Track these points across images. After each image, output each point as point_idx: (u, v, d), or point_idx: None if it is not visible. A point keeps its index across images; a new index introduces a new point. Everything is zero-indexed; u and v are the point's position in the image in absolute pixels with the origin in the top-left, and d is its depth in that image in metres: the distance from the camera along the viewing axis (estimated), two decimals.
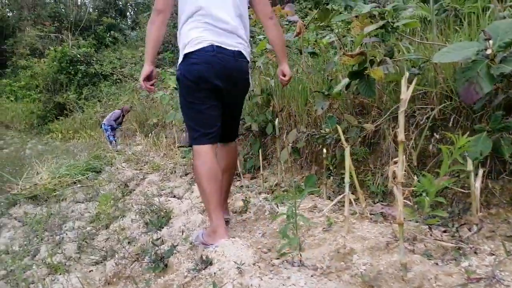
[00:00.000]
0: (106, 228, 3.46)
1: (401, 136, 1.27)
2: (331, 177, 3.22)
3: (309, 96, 3.85)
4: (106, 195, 4.11)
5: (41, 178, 6.13)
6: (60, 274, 2.41)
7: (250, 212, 2.57)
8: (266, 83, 4.43)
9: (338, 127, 1.96)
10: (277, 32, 2.28)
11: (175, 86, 9.14)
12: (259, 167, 4.15)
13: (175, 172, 4.95)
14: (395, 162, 1.32)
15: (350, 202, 1.90)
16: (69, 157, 9.47)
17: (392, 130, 2.74)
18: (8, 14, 23.33)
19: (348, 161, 1.77)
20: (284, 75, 2.36)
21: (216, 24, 2.00)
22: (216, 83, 2.01)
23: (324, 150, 2.51)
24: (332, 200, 2.51)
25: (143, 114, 10.50)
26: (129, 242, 2.60)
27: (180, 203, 3.12)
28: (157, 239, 2.21)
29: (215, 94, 2.05)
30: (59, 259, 2.68)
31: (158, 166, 5.75)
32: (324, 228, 1.92)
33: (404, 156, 1.41)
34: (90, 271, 2.45)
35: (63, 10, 23.47)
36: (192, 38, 2.00)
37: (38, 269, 2.57)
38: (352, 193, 2.00)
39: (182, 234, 2.11)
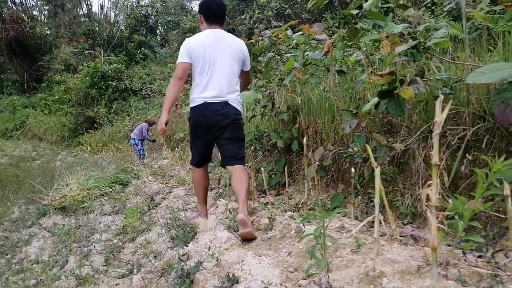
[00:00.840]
0: (132, 241, 3.50)
1: (435, 159, 1.24)
2: (359, 197, 3.17)
3: (336, 114, 3.84)
4: (132, 209, 4.17)
5: (70, 189, 6.29)
6: (88, 286, 2.45)
7: (275, 230, 2.55)
8: (292, 100, 4.44)
9: (368, 146, 1.94)
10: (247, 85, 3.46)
11: None
12: (284, 183, 4.14)
13: None
14: (429, 185, 1.29)
15: (380, 223, 1.85)
16: (97, 169, 9.72)
17: (422, 150, 2.69)
18: (47, 32, 24.45)
19: (378, 182, 1.74)
20: None
21: (211, 87, 2.87)
22: (208, 126, 2.92)
23: (352, 169, 2.48)
24: (359, 220, 2.46)
25: (170, 129, 10.70)
26: (155, 256, 2.62)
27: (206, 218, 3.13)
28: (183, 255, 2.22)
29: (204, 134, 2.98)
30: (87, 271, 2.73)
31: (183, 180, 5.83)
32: (352, 249, 1.89)
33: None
34: (116, 284, 2.47)
35: (97, 28, 24.41)
36: (194, 96, 2.94)
37: (67, 280, 2.62)
38: (381, 214, 1.96)
39: (209, 250, 2.11)
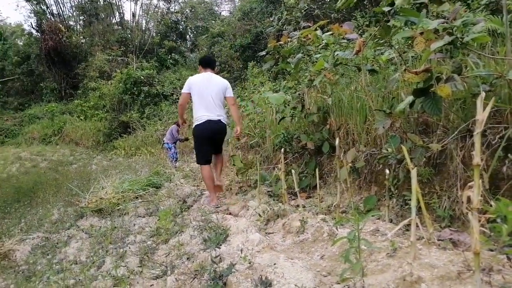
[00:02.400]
0: (166, 243, 3.55)
1: (477, 159, 1.18)
2: (393, 199, 3.09)
3: (368, 114, 3.76)
4: (166, 211, 4.23)
5: (106, 192, 6.44)
6: (123, 287, 2.50)
7: (307, 233, 2.51)
8: (322, 101, 4.39)
9: (403, 147, 1.88)
10: (236, 112, 4.65)
11: None
12: (315, 186, 4.09)
13: (230, 189, 5.01)
14: (470, 187, 1.23)
15: (416, 226, 1.79)
16: (131, 172, 9.96)
17: (460, 150, 2.58)
18: (82, 40, 25.41)
19: (414, 183, 1.68)
20: (236, 132, 4.65)
21: (209, 110, 4.32)
22: (208, 136, 4.40)
23: (387, 171, 2.41)
24: (394, 223, 2.39)
25: None
26: (188, 258, 2.65)
27: (237, 220, 3.14)
28: (216, 257, 2.23)
29: (208, 141, 4.42)
30: (122, 271, 2.79)
31: None
32: (388, 253, 1.83)
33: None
34: (151, 286, 2.51)
35: (129, 35, 25.13)
36: (198, 116, 4.38)
37: (104, 280, 2.69)
38: (418, 217, 1.89)
39: (241, 253, 2.11)
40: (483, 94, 1.21)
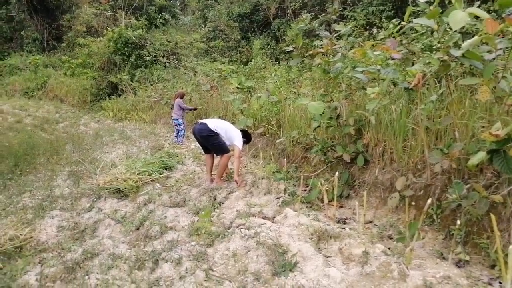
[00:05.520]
0: (211, 246, 3.71)
1: None
2: (433, 225, 3.39)
3: (408, 134, 3.95)
4: (206, 210, 4.36)
5: (119, 172, 6.44)
6: None
7: (371, 265, 2.74)
8: (359, 115, 4.54)
9: (492, 216, 2.09)
10: (236, 164, 5.29)
11: (237, 85, 9.37)
12: (347, 195, 4.33)
13: (257, 187, 5.15)
14: None
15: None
16: (130, 143, 9.87)
17: None
18: None
19: (511, 264, 1.91)
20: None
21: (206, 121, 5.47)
22: (195, 134, 5.55)
23: (458, 221, 2.62)
24: (460, 268, 2.66)
25: (202, 109, 10.76)
26: (257, 279, 2.83)
27: (292, 238, 3.30)
28: None
29: (198, 139, 5.59)
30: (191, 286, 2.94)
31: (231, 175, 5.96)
32: None
33: None
34: None
35: None
36: None
37: None
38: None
39: None
40: None
